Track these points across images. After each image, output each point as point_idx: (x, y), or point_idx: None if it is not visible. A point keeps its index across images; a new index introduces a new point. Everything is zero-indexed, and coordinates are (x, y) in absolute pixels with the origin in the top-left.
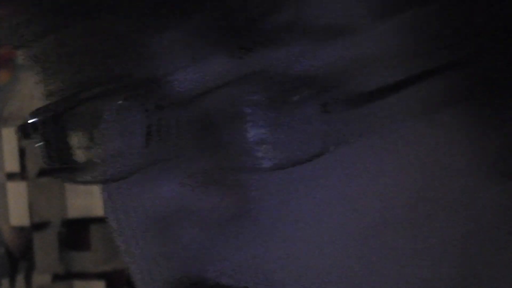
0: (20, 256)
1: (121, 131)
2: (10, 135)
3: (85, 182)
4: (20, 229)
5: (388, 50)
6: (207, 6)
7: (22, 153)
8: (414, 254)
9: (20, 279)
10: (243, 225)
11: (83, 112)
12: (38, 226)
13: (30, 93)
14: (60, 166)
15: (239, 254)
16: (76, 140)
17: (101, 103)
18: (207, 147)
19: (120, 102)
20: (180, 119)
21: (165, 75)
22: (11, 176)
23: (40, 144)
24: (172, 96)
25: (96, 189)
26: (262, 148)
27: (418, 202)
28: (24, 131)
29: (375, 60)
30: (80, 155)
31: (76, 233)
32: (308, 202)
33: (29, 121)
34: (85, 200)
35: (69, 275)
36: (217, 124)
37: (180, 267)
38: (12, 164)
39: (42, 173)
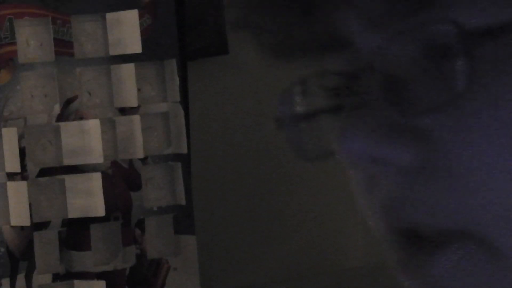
0: (20, 256)
1: None
2: (10, 135)
3: None
4: (20, 229)
5: None
6: None
7: (22, 153)
8: None
9: (20, 279)
10: (435, 173)
11: None
12: (38, 226)
13: (30, 93)
14: None
15: (435, 200)
16: None
17: None
18: (392, 100)
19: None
20: (371, 77)
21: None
22: (11, 176)
23: None
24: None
25: (96, 189)
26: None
27: None
28: None
29: None
30: None
31: (76, 233)
32: (494, 145)
33: None
34: (85, 200)
35: (69, 275)
36: (400, 80)
37: (387, 215)
38: (12, 164)
39: (42, 173)
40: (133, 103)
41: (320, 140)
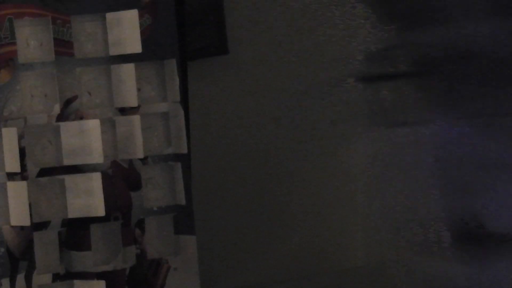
0: (20, 256)
1: None
2: (10, 135)
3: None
4: (20, 229)
5: None
6: None
7: (22, 153)
8: None
9: (20, 279)
10: None
11: None
12: (38, 226)
13: (30, 93)
14: None
15: (508, 198)
16: None
17: None
18: (488, 91)
19: None
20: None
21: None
22: (11, 176)
23: None
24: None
25: (96, 189)
26: None
27: None
28: None
29: None
30: None
31: (76, 233)
32: None
33: None
34: (85, 200)
35: (69, 275)
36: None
37: (456, 199)
38: (12, 164)
39: (42, 173)
40: (133, 103)
41: (400, 108)
